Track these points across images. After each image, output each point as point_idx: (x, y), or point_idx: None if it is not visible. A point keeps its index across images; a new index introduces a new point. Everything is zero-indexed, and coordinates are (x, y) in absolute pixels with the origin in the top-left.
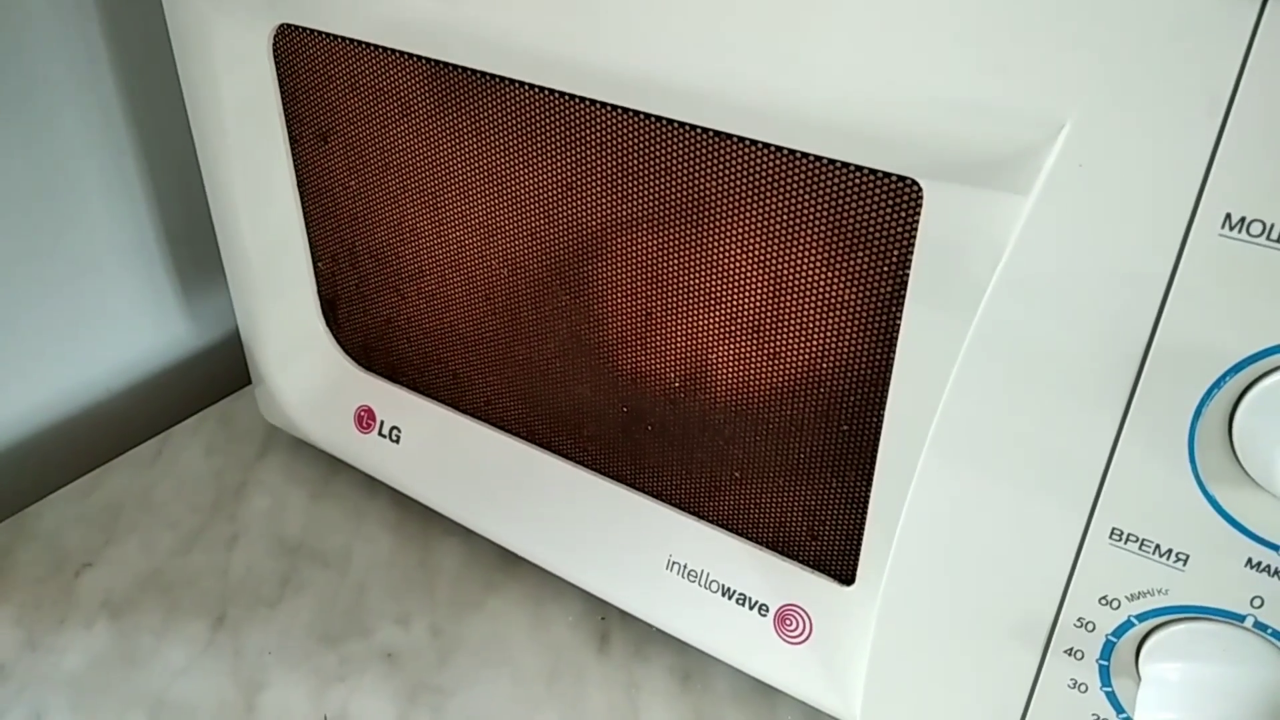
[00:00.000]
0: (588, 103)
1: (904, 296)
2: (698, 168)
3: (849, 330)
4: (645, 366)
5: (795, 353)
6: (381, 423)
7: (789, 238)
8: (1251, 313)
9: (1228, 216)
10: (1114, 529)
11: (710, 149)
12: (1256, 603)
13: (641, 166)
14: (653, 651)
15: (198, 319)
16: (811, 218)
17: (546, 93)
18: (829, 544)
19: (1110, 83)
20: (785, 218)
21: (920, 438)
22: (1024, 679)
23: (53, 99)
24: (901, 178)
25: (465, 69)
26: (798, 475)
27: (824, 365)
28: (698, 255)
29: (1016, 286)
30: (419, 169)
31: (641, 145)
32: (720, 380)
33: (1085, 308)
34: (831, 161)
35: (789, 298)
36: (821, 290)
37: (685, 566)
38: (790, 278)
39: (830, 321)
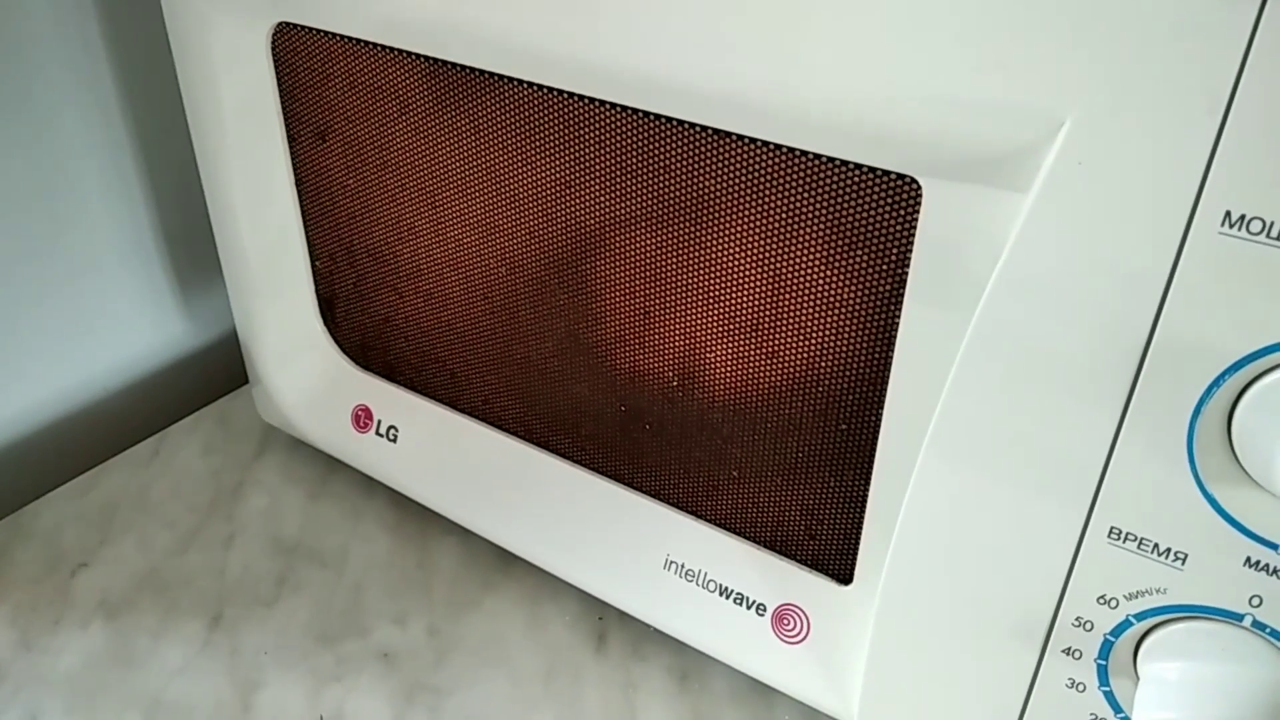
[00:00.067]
0: (586, 101)
1: (903, 295)
2: (696, 166)
3: (847, 329)
4: (643, 365)
5: (793, 351)
6: (379, 422)
7: (788, 236)
8: (1251, 311)
9: (1227, 214)
10: (1112, 528)
11: (709, 147)
12: (1255, 602)
13: (640, 165)
14: (650, 651)
15: (195, 318)
16: (810, 216)
17: (545, 91)
18: (827, 543)
19: (1110, 81)
20: (784, 216)
21: (919, 437)
22: (1022, 678)
23: (52, 99)
24: (901, 176)
25: (464, 67)
26: (796, 474)
27: (822, 364)
28: (696, 253)
29: (1016, 285)
30: (417, 168)
31: (640, 143)
32: (718, 379)
33: (1084, 306)
34: (830, 159)
35: (787, 296)
36: (820, 288)
37: (683, 566)
38: (789, 276)
39: (829, 320)
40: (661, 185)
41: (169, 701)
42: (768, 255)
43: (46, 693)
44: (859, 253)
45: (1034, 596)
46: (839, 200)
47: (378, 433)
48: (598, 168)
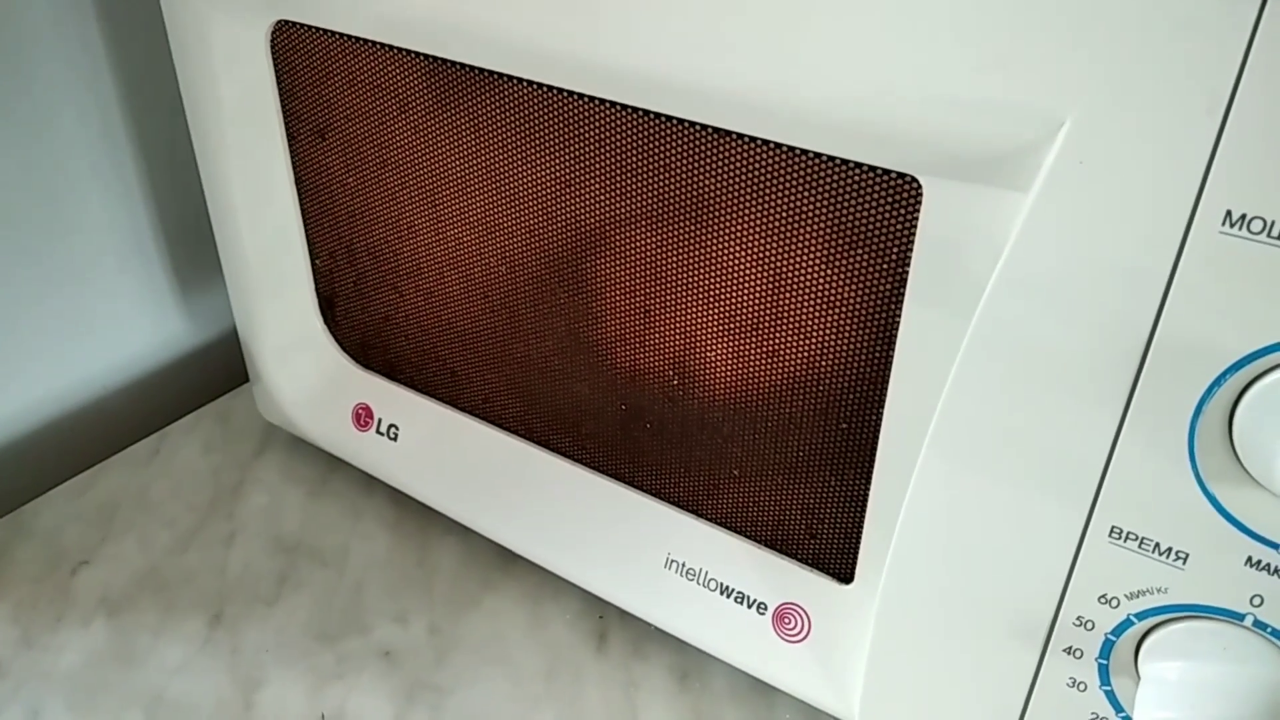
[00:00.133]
0: (586, 99)
1: (903, 294)
2: (696, 165)
3: (848, 328)
4: (644, 364)
5: (794, 350)
6: (379, 420)
7: (788, 235)
8: (1252, 310)
9: (1228, 213)
10: (1113, 527)
11: (709, 146)
12: (1256, 601)
13: (640, 163)
14: (651, 650)
15: (195, 317)
16: (811, 215)
17: (545, 89)
18: (828, 542)
19: (1111, 80)
20: (784, 214)
21: (919, 436)
22: (1023, 678)
23: (51, 98)
24: (901, 175)
25: (464, 65)
26: (796, 473)
27: (823, 363)
28: (696, 252)
29: (1016, 284)
30: (417, 166)
31: (640, 142)
32: (719, 378)
33: (1085, 305)
34: (831, 158)
35: (788, 295)
36: (821, 287)
37: (684, 565)
38: (789, 275)
39: (829, 319)
40: (662, 184)
41: (170, 699)
42: (768, 254)
43: (47, 690)
44: (859, 252)
45: (1035, 596)
46: (839, 199)
47: (378, 431)
48: (598, 166)
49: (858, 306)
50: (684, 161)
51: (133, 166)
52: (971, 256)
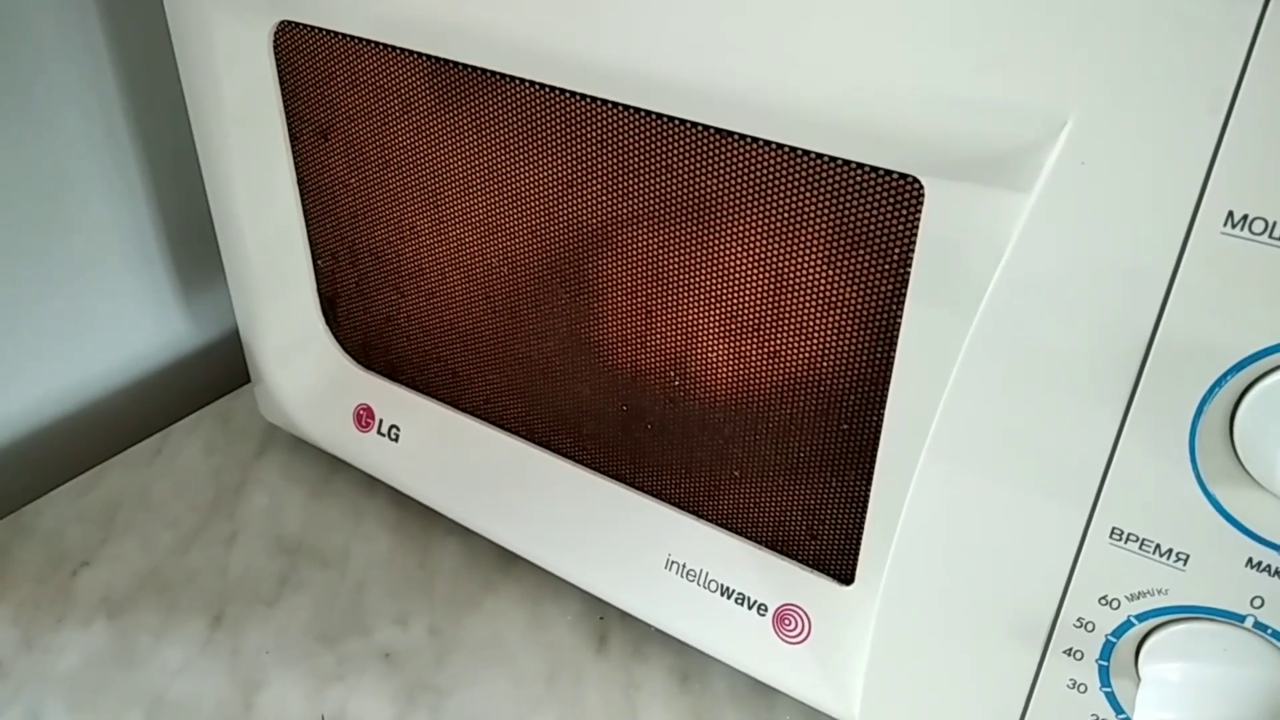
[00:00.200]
0: (588, 99)
1: (905, 295)
2: (698, 165)
3: (849, 329)
4: (645, 365)
5: (795, 351)
6: (381, 421)
7: (789, 235)
8: (1253, 311)
9: (1230, 214)
10: (1114, 528)
11: (710, 146)
12: (1257, 603)
13: (642, 164)
14: (651, 651)
15: (197, 317)
16: (812, 215)
17: (547, 89)
18: (828, 543)
19: (1112, 80)
20: (786, 215)
21: (920, 437)
22: (1023, 679)
23: (53, 98)
24: (903, 175)
25: (465, 65)
26: (797, 474)
27: (824, 364)
28: (698, 253)
29: (1018, 285)
30: (419, 166)
31: (642, 142)
32: (720, 379)
33: (1086, 306)
34: (832, 159)
35: (789, 296)
36: (822, 288)
37: (684, 566)
38: (791, 276)
39: (830, 320)
40: (663, 184)
41: (171, 700)
42: (769, 255)
43: (48, 691)
44: (861, 252)
45: (1035, 597)
46: (841, 200)
47: (379, 432)
48: (599, 167)
49: (859, 307)
50: (685, 162)
51: (135, 166)
52: (973, 257)
